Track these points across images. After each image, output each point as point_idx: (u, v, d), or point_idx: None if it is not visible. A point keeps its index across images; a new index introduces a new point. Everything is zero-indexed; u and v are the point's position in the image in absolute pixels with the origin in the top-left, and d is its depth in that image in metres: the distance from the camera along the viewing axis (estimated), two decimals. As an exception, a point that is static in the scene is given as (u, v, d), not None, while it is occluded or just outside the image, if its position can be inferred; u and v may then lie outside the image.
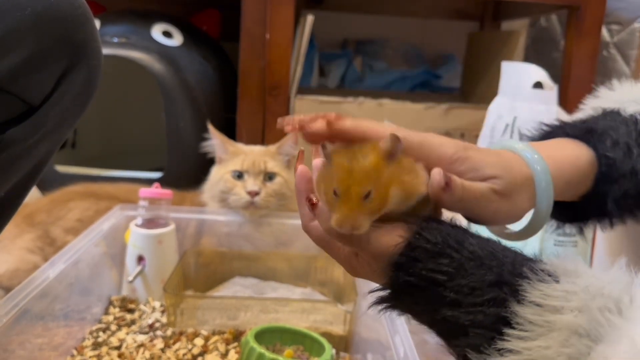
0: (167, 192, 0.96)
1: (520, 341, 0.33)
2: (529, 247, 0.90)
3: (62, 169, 1.28)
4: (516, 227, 0.45)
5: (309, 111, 1.19)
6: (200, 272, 1.01)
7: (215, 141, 1.03)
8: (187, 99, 1.24)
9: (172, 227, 0.96)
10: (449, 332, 0.36)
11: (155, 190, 0.95)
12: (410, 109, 1.19)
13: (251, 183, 0.96)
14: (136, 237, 0.93)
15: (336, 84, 1.64)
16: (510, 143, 0.45)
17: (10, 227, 1.01)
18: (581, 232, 0.51)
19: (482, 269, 0.35)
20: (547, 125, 0.52)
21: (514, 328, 0.33)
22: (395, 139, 0.38)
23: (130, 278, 0.91)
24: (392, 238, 0.39)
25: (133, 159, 1.64)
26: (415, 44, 1.82)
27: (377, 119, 1.17)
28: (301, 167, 0.43)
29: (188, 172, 1.27)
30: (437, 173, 0.39)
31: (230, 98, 1.38)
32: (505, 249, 0.38)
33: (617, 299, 0.32)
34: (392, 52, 1.73)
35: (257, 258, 1.03)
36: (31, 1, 0.50)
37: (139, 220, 0.95)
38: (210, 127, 1.03)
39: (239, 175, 0.98)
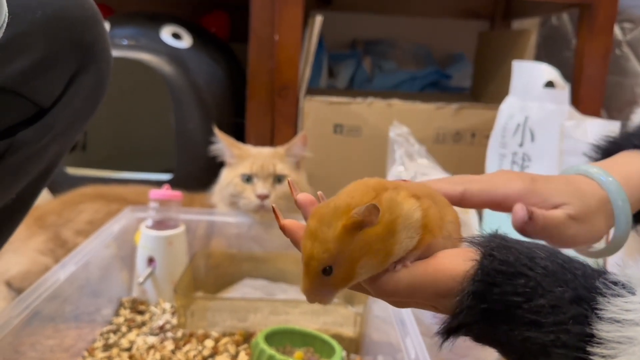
0: (177, 193, 0.96)
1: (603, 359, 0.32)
2: None
3: (72, 171, 1.29)
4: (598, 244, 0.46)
5: (318, 112, 1.19)
6: (210, 273, 1.01)
7: (222, 145, 1.03)
8: (196, 100, 1.25)
9: (182, 228, 0.96)
10: (527, 354, 0.34)
11: (165, 191, 0.95)
12: (420, 109, 1.18)
13: (260, 186, 0.96)
14: (146, 239, 0.93)
15: (345, 85, 1.63)
16: (585, 168, 0.46)
17: (21, 229, 1.01)
18: None
19: (558, 285, 0.34)
20: (612, 137, 0.52)
21: (597, 346, 0.32)
22: (372, 211, 0.34)
23: (141, 279, 0.91)
24: (458, 264, 0.35)
25: (143, 161, 1.64)
26: (424, 44, 1.81)
27: (386, 119, 1.17)
28: (289, 222, 0.40)
29: (197, 174, 1.27)
30: (520, 209, 0.40)
31: (239, 99, 1.38)
32: (571, 260, 0.36)
33: None
34: (401, 52, 1.72)
35: (266, 260, 1.02)
36: (42, 4, 0.51)
37: (149, 222, 0.95)
38: (216, 131, 1.03)
39: (248, 179, 0.98)
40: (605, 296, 0.33)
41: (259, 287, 0.99)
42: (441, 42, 1.82)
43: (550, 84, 0.96)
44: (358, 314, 0.82)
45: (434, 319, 0.72)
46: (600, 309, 0.32)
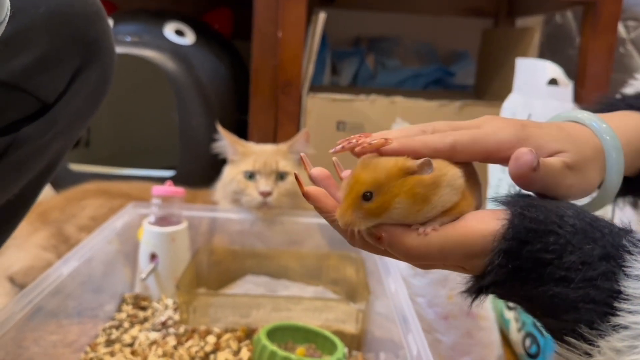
0: (180, 190, 0.96)
1: (630, 315, 0.32)
2: None
3: (75, 167, 1.29)
4: (582, 200, 0.42)
5: (321, 109, 1.19)
6: (212, 270, 1.01)
7: (225, 142, 1.02)
8: (199, 97, 1.25)
9: (184, 225, 0.96)
10: (555, 309, 0.35)
11: (168, 188, 0.95)
12: (423, 107, 1.18)
13: (263, 183, 0.96)
14: (149, 235, 0.93)
15: (348, 82, 1.63)
16: (574, 114, 0.43)
17: (24, 225, 1.02)
18: (635, 205, 0.49)
19: (587, 243, 0.34)
20: (607, 97, 0.50)
21: (624, 302, 0.32)
22: (428, 164, 0.36)
23: (143, 275, 0.92)
24: (489, 224, 0.36)
25: (146, 158, 1.65)
26: (428, 42, 1.81)
27: (389, 116, 1.16)
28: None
29: (200, 170, 1.27)
30: (527, 152, 0.36)
31: (242, 96, 1.38)
32: (597, 218, 0.36)
33: None
34: (404, 50, 1.72)
35: (269, 256, 1.02)
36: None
37: (151, 218, 0.95)
38: (220, 128, 1.03)
39: (251, 176, 0.98)
40: (632, 254, 0.33)
41: (262, 283, 0.99)
42: (445, 39, 1.82)
43: (553, 81, 0.95)
44: (360, 311, 0.82)
45: (430, 309, 0.72)
46: (628, 267, 0.33)
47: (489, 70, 1.46)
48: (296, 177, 0.41)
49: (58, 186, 1.25)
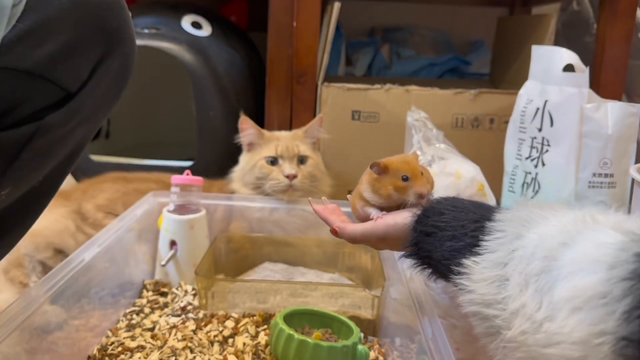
0: (198, 178, 0.98)
1: (490, 243, 0.49)
2: (565, 188, 0.90)
3: (96, 158, 1.31)
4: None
5: (336, 98, 1.20)
6: (230, 256, 1.03)
7: (251, 130, 1.05)
8: (216, 88, 1.26)
9: (203, 212, 0.98)
10: (450, 255, 0.52)
11: (187, 177, 0.97)
12: (438, 95, 1.18)
13: (288, 167, 1.00)
14: (168, 223, 0.95)
15: (363, 73, 1.63)
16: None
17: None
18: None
19: (467, 214, 0.53)
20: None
21: (487, 240, 0.50)
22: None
23: (163, 262, 0.94)
24: (408, 214, 0.58)
25: (165, 149, 1.67)
26: (443, 31, 1.80)
27: (404, 105, 1.17)
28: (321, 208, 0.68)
29: (218, 160, 1.29)
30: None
31: (258, 87, 1.40)
32: (481, 205, 0.55)
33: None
34: (420, 39, 1.72)
35: (286, 243, 1.04)
36: None
37: (171, 206, 0.97)
38: (244, 117, 1.05)
39: (273, 161, 1.01)
40: (491, 220, 0.51)
41: (279, 270, 1.01)
42: (460, 28, 1.81)
43: (569, 68, 0.95)
44: (375, 297, 0.83)
45: (445, 295, 0.73)
46: (489, 226, 0.50)
47: (504, 59, 1.45)
48: (309, 202, 0.67)
49: (80, 176, 1.27)
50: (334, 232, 0.63)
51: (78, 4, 0.52)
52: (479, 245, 0.49)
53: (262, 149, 1.03)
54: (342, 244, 1.03)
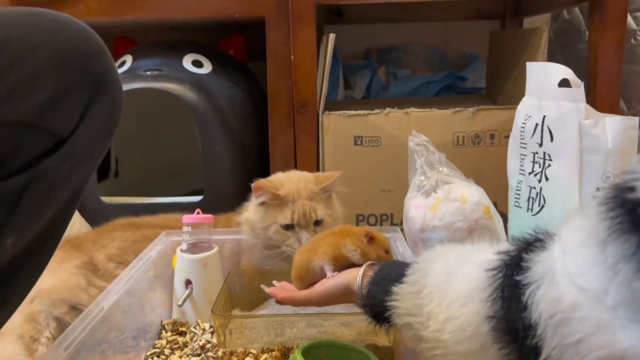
0: (209, 217, 1.00)
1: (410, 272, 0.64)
2: (570, 202, 0.92)
3: (107, 199, 1.34)
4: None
5: (338, 125, 1.22)
6: (244, 290, 1.04)
7: (266, 194, 0.98)
8: (220, 123, 1.29)
9: (215, 249, 1.00)
10: (387, 290, 0.66)
11: (197, 216, 0.99)
12: (437, 115, 1.20)
13: (304, 236, 0.96)
14: (182, 262, 0.97)
15: (362, 95, 1.66)
16: None
17: (59, 252, 1.06)
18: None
19: (392, 274, 0.67)
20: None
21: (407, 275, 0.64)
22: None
23: (180, 302, 0.95)
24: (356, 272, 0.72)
25: (173, 183, 1.69)
26: (437, 47, 1.83)
27: (404, 127, 1.19)
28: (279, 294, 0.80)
29: (226, 193, 1.31)
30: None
31: (260, 117, 1.42)
32: (405, 263, 0.68)
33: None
34: (415, 58, 1.74)
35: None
36: (51, 39, 0.54)
37: (184, 246, 0.99)
38: (258, 182, 0.98)
39: (288, 226, 0.97)
40: (406, 275, 0.64)
41: (293, 301, 1.02)
42: (454, 44, 1.84)
43: (565, 82, 0.97)
44: (391, 323, 0.84)
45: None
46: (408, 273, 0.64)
47: (499, 73, 1.48)
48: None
49: (92, 218, 1.30)
50: (279, 302, 0.79)
51: (63, 52, 0.54)
52: (405, 275, 0.64)
53: (276, 212, 0.97)
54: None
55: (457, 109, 1.20)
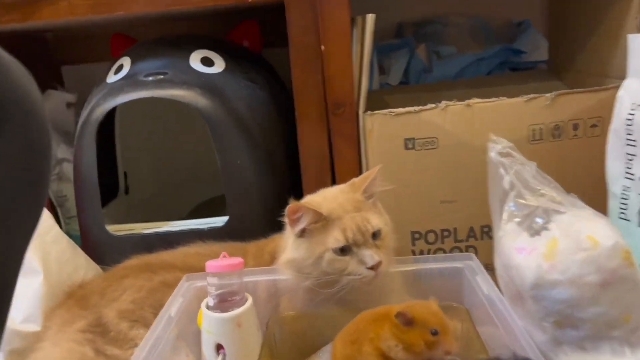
0: (238, 261, 0.80)
1: None
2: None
3: (115, 230, 1.14)
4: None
5: (384, 127, 1.00)
6: (287, 341, 0.86)
7: (307, 216, 0.79)
8: (239, 132, 1.08)
9: (249, 302, 0.80)
10: None
11: (223, 262, 0.79)
12: (507, 106, 0.97)
13: (369, 256, 0.76)
14: (210, 323, 0.78)
15: (399, 80, 1.43)
16: None
17: (62, 312, 0.90)
18: None
19: None
20: None
21: None
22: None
23: (212, 374, 0.76)
24: None
25: (188, 193, 1.52)
26: (479, 16, 1.58)
27: (466, 124, 0.95)
28: None
29: (253, 214, 1.11)
30: None
31: (286, 119, 1.21)
32: None
33: None
34: (456, 31, 1.50)
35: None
36: None
37: (210, 301, 0.79)
38: (294, 204, 0.78)
39: (343, 249, 0.78)
40: None
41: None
42: (500, 9, 1.58)
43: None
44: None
45: None
46: None
47: (567, 41, 1.24)
48: None
49: (99, 255, 1.11)
50: None
51: None
52: None
53: (323, 237, 0.78)
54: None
55: (530, 95, 0.97)
